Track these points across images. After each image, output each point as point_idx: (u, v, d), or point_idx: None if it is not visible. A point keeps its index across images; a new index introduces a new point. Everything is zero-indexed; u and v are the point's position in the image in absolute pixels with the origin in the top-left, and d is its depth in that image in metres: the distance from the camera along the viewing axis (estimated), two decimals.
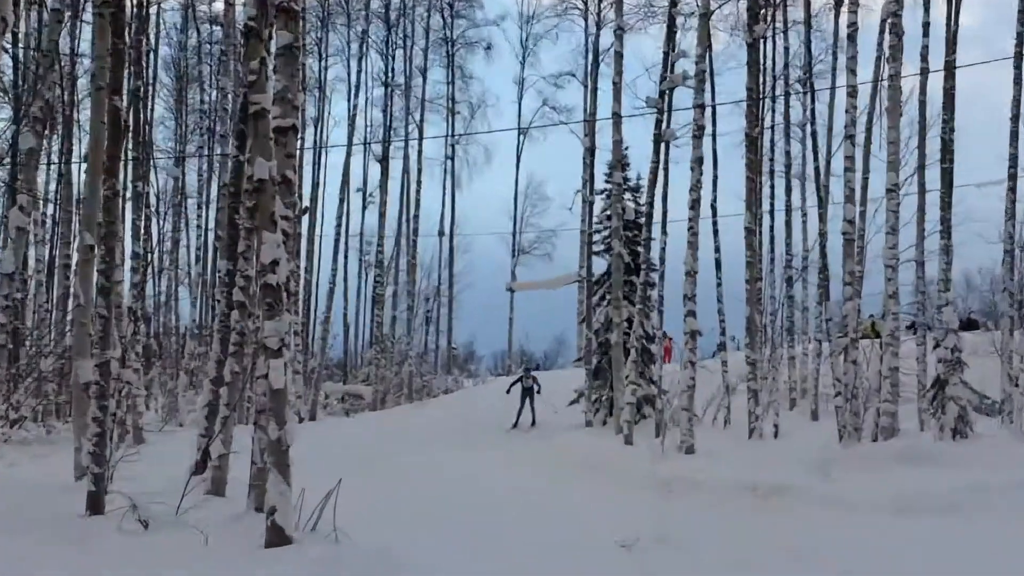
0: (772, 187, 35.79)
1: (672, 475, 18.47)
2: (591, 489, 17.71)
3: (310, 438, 24.66)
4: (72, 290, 27.82)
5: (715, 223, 33.51)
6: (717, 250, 33.28)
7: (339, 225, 48.76)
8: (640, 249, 31.15)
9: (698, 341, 24.31)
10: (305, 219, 40.76)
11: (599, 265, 34.90)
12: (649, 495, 16.75)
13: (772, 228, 35.59)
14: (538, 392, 32.77)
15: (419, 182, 54.65)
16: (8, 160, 25.17)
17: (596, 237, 35.14)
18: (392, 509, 15.47)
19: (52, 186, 38.93)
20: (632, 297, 30.75)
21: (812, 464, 19.01)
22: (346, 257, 53.68)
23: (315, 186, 47.91)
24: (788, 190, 35.63)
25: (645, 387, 30.75)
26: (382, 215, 50.03)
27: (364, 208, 56.50)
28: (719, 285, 32.94)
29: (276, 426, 10.75)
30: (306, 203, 43.26)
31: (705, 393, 31.43)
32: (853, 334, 23.58)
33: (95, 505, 13.60)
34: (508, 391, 33.31)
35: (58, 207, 36.75)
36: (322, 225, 51.55)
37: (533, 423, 32.41)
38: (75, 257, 26.94)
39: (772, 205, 35.76)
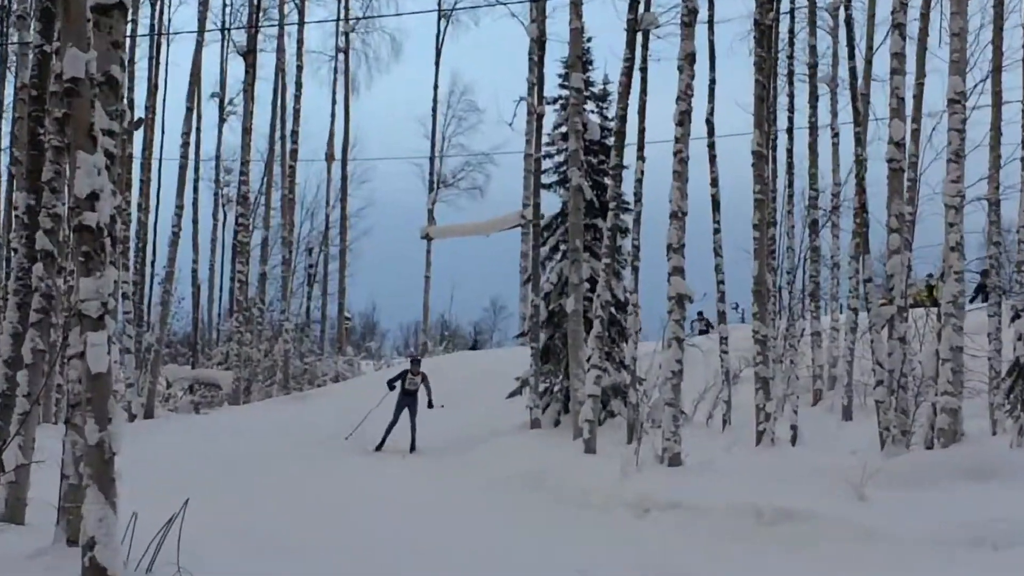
0: (791, 96, 35.53)
1: (649, 496, 18.58)
2: (535, 517, 17.79)
3: (145, 443, 24.71)
4: None
5: (711, 146, 33.47)
6: (714, 184, 33.34)
7: (186, 145, 48.17)
8: (607, 181, 31.02)
9: (687, 309, 24.38)
10: (138, 135, 40.48)
11: (551, 203, 34.85)
12: (617, 524, 16.87)
13: (791, 153, 35.48)
14: (430, 405, 31.73)
15: (299, 85, 53.88)
16: None
17: (547, 164, 34.96)
18: (257, 542, 15.51)
19: None
20: (596, 248, 30.90)
21: (842, 481, 19.09)
22: (196, 190, 53.49)
23: (152, 90, 47.32)
24: (813, 100, 35.71)
25: (613, 373, 30.97)
26: (247, 131, 49.64)
27: (221, 121, 56.39)
28: (717, 232, 33.08)
29: (97, 426, 10.71)
30: (139, 114, 42.91)
31: (696, 382, 31.71)
32: (901, 301, 23.67)
33: None
34: (391, 387, 32.71)
35: None
36: (162, 145, 51.20)
37: (412, 447, 31.35)
38: None
39: (791, 121, 35.59)
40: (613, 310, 30.34)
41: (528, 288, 38.02)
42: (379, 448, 30.78)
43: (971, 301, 29.44)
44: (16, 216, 16.97)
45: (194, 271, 54.72)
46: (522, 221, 45.34)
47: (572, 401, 28.56)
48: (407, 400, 31.84)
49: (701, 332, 39.44)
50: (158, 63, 48.98)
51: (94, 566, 10.45)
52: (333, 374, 54.32)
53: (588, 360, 27.01)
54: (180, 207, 44.16)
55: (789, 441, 26.81)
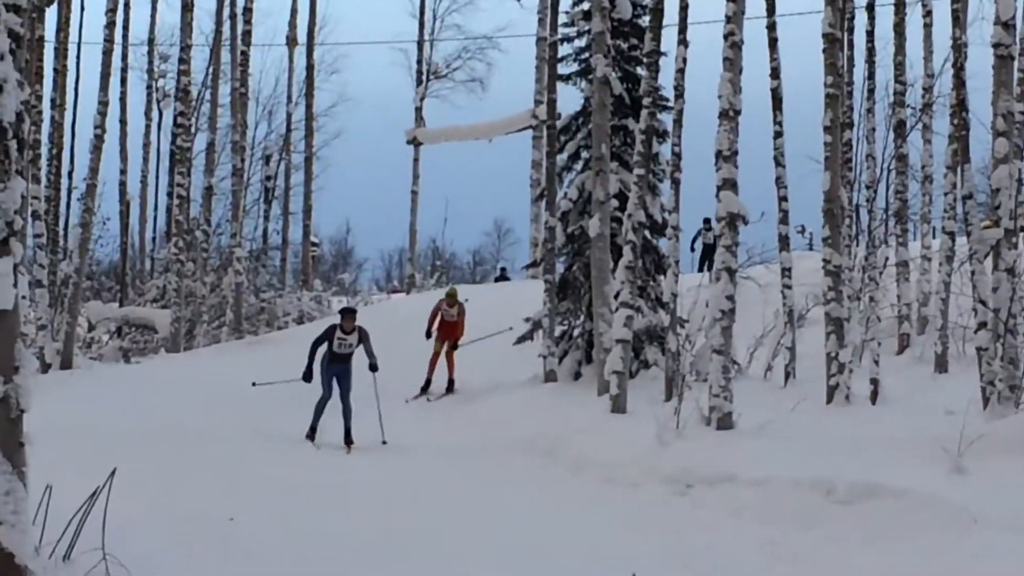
0: None
1: (692, 468, 18.59)
2: (546, 494, 17.74)
3: (61, 397, 24.78)
4: None
5: (771, 27, 33.30)
6: (775, 75, 33.09)
7: (111, 25, 47.84)
8: (641, 72, 31.03)
9: (741, 232, 24.33)
10: (52, 13, 40.37)
11: (570, 99, 34.88)
12: (651, 503, 16.86)
13: (871, 37, 35.49)
14: (372, 368, 28.83)
15: None
16: None
17: (565, 50, 34.94)
18: (196, 524, 15.55)
19: None
20: (627, 156, 30.84)
21: (935, 449, 19.06)
22: (124, 81, 53.45)
23: None
24: None
25: (648, 313, 31.06)
26: (187, 8, 49.38)
27: None
28: (778, 136, 32.89)
29: (0, 377, 10.73)
30: None
31: (753, 324, 31.73)
32: (1009, 223, 23.58)
33: None
34: (311, 357, 27.93)
35: None
36: (81, 25, 51.04)
37: (349, 438, 26.98)
38: None
39: None
40: (648, 234, 30.39)
41: (541, 207, 38.14)
42: (311, 436, 26.40)
43: None
44: None
45: (122, 184, 54.80)
46: (533, 122, 45.48)
47: (596, 348, 28.55)
48: (337, 367, 27.60)
49: (707, 248, 37.95)
50: None
51: None
52: (297, 314, 54.39)
53: (616, 297, 26.99)
54: (104, 104, 43.92)
55: (868, 398, 26.79)
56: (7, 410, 10.66)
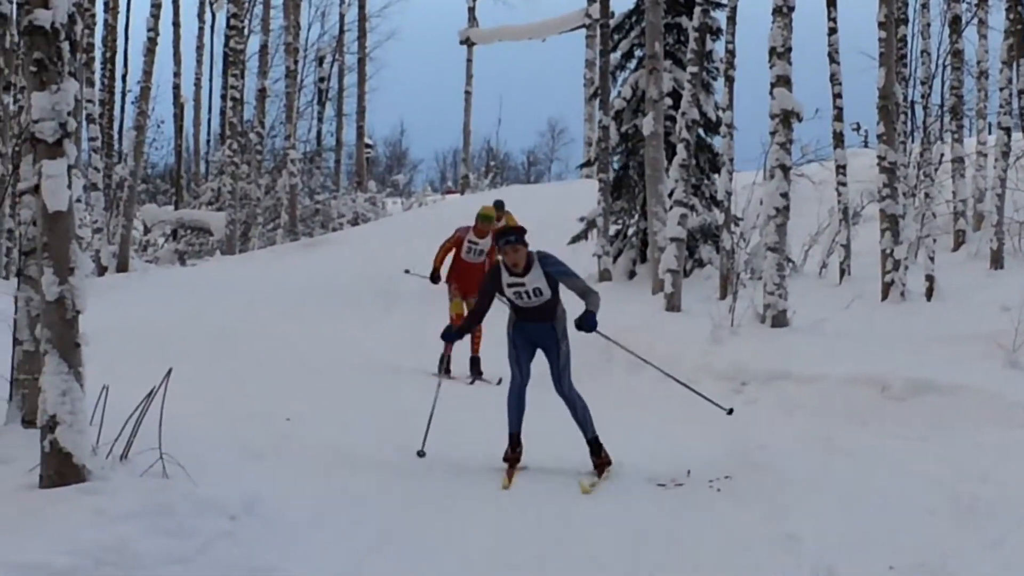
0: None
1: (747, 365, 18.56)
2: (605, 392, 17.70)
3: (117, 300, 24.85)
4: None
5: None
6: None
7: None
8: None
9: (795, 130, 24.22)
10: None
11: None
12: (706, 401, 16.83)
13: None
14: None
15: None
16: None
17: None
18: (257, 426, 15.61)
19: None
20: (680, 54, 30.78)
21: (992, 345, 19.02)
22: None
23: None
24: None
25: (702, 211, 31.01)
26: None
27: None
28: (833, 32, 32.69)
29: (56, 278, 10.75)
30: None
31: (807, 222, 31.66)
32: None
33: None
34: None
35: None
36: None
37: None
38: None
39: None
40: (702, 132, 30.35)
41: (595, 106, 38.01)
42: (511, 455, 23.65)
43: None
44: None
45: (176, 87, 54.98)
46: (586, 21, 45.29)
47: (650, 247, 28.54)
48: (532, 328, 17.84)
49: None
50: None
51: (56, 451, 10.53)
52: (351, 215, 54.42)
53: (670, 195, 26.95)
54: (157, 6, 44.05)
55: (923, 295, 26.74)
56: (62, 311, 10.69)
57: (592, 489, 13.46)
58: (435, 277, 23.87)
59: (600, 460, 14.78)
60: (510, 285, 15.71)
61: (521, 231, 15.15)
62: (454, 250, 23.54)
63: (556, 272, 14.84)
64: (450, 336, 17.17)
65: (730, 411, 15.26)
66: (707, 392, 16.13)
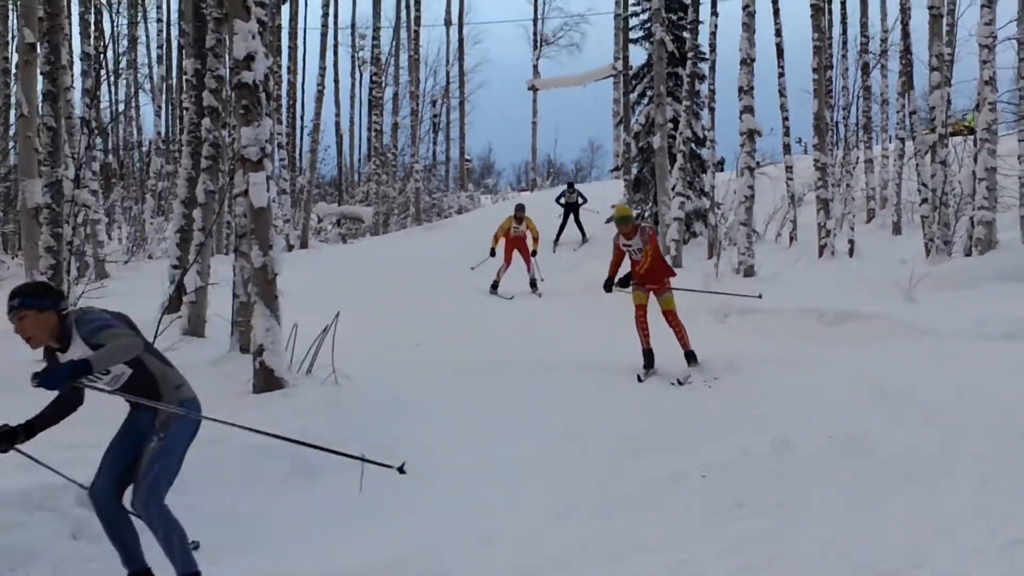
0: None
1: (728, 303, 18.43)
2: (625, 324, 17.69)
3: (301, 267, 24.90)
4: (13, 99, 27.61)
5: (775, 1, 32.85)
6: (778, 34, 32.64)
7: (326, 15, 47.88)
8: (686, 35, 30.84)
9: (757, 143, 24.07)
10: (285, 9, 40.36)
11: (638, 56, 34.83)
12: (701, 328, 16.71)
13: (844, 6, 35.10)
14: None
15: None
16: None
17: (633, 22, 34.91)
18: (401, 349, 15.65)
19: None
20: (678, 93, 30.70)
21: (893, 286, 18.93)
22: (336, 54, 53.44)
23: None
24: None
25: (695, 199, 30.83)
26: (377, 2, 49.26)
27: None
28: (781, 76, 32.52)
29: (260, 251, 10.80)
30: None
31: (767, 205, 31.52)
32: (942, 129, 23.40)
33: None
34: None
35: None
36: (306, 16, 51.11)
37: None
38: (14, 59, 26.70)
39: None
40: (693, 145, 30.26)
41: (620, 129, 37.90)
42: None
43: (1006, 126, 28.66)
44: (186, 79, 17.08)
45: (337, 123, 55.05)
46: (614, 72, 44.99)
47: (660, 224, 28.38)
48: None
49: (568, 207, 35.20)
50: None
51: (264, 369, 10.62)
52: (457, 207, 54.41)
53: (673, 189, 26.83)
54: (323, 68, 43.92)
55: (847, 253, 26.64)
56: (266, 274, 10.77)
57: None
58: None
59: None
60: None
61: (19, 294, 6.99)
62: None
63: (90, 335, 6.79)
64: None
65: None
66: (701, 323, 16.12)
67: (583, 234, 32.75)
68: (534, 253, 24.87)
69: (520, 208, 25.15)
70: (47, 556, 6.73)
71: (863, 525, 7.39)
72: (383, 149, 50.22)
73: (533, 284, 24.30)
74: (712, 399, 12.04)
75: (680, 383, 12.73)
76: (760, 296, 15.78)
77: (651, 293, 14.75)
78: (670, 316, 14.25)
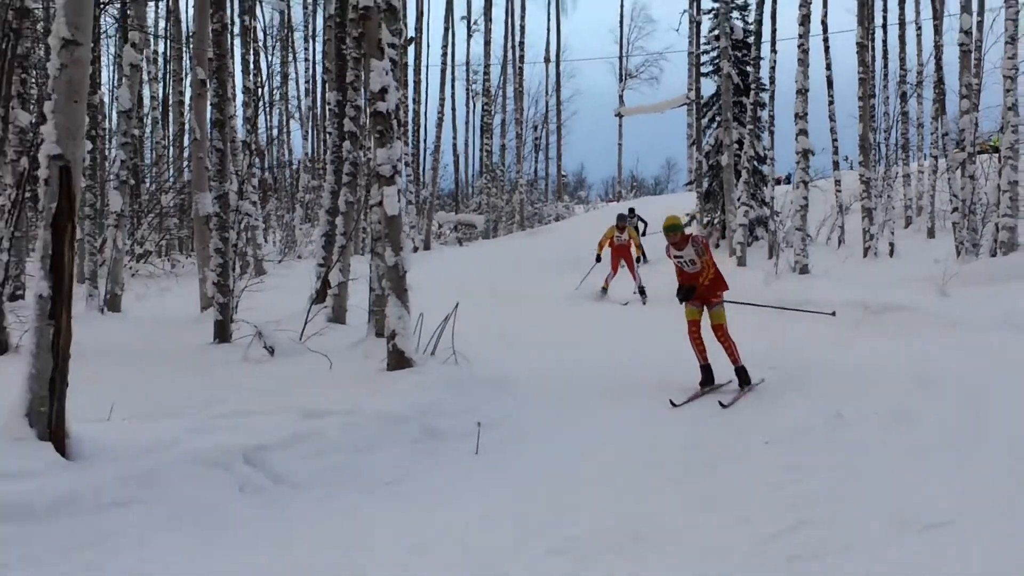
0: (884, 0, 34.66)
1: (786, 295, 18.26)
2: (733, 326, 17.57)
3: (425, 266, 25.00)
4: (187, 126, 28.15)
5: (826, 40, 32.36)
6: (828, 68, 32.22)
7: (444, 55, 48.30)
8: (749, 69, 30.64)
9: (810, 161, 23.81)
10: (411, 50, 40.48)
11: (708, 87, 34.61)
12: (763, 318, 16.58)
13: (885, 43, 34.54)
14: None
15: (523, 8, 53.69)
16: None
17: (704, 58, 34.64)
18: (509, 335, 15.67)
19: (161, 24, 39.02)
20: (742, 118, 30.49)
21: (928, 282, 18.79)
22: (453, 87, 53.76)
23: (419, 16, 47.10)
24: (901, 3, 34.38)
25: (757, 208, 30.60)
26: (487, 43, 49.31)
27: (469, 37, 56.32)
28: (831, 103, 32.10)
29: (392, 252, 10.87)
30: (411, 33, 42.96)
31: (818, 213, 31.24)
32: (971, 148, 23.16)
33: (222, 334, 14.03)
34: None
35: (168, 44, 36.92)
36: (428, 56, 51.32)
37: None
38: (188, 93, 27.22)
39: (885, 19, 34.65)
40: (756, 163, 30.01)
41: (693, 149, 37.67)
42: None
43: None
44: (329, 109, 17.23)
45: (454, 145, 55.22)
46: (687, 101, 44.68)
47: (728, 229, 28.23)
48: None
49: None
50: None
51: (395, 351, 10.68)
52: (555, 215, 54.43)
53: (738, 200, 26.64)
54: (442, 100, 44.13)
55: (888, 254, 26.40)
56: (397, 271, 10.83)
57: None
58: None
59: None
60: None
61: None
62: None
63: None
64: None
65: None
66: (763, 314, 15.97)
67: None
68: (638, 260, 23.74)
69: (622, 218, 23.97)
70: (219, 509, 6.80)
71: (908, 486, 7.28)
72: (493, 166, 50.28)
73: (642, 292, 22.16)
74: (770, 380, 11.88)
75: (724, 406, 10.66)
76: (834, 314, 14.62)
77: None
78: (719, 331, 11.81)
